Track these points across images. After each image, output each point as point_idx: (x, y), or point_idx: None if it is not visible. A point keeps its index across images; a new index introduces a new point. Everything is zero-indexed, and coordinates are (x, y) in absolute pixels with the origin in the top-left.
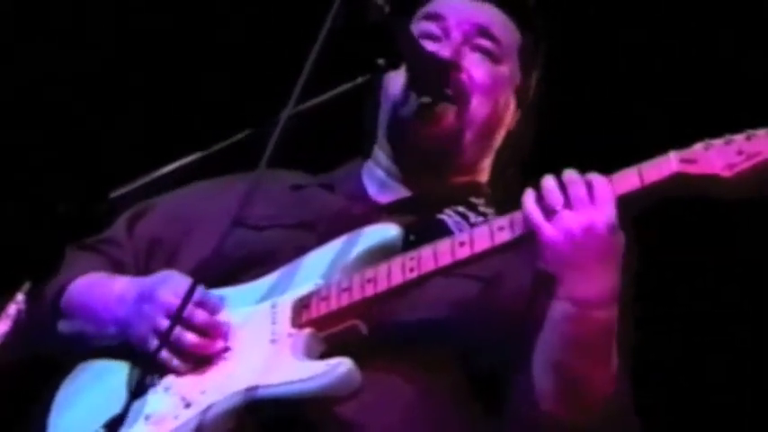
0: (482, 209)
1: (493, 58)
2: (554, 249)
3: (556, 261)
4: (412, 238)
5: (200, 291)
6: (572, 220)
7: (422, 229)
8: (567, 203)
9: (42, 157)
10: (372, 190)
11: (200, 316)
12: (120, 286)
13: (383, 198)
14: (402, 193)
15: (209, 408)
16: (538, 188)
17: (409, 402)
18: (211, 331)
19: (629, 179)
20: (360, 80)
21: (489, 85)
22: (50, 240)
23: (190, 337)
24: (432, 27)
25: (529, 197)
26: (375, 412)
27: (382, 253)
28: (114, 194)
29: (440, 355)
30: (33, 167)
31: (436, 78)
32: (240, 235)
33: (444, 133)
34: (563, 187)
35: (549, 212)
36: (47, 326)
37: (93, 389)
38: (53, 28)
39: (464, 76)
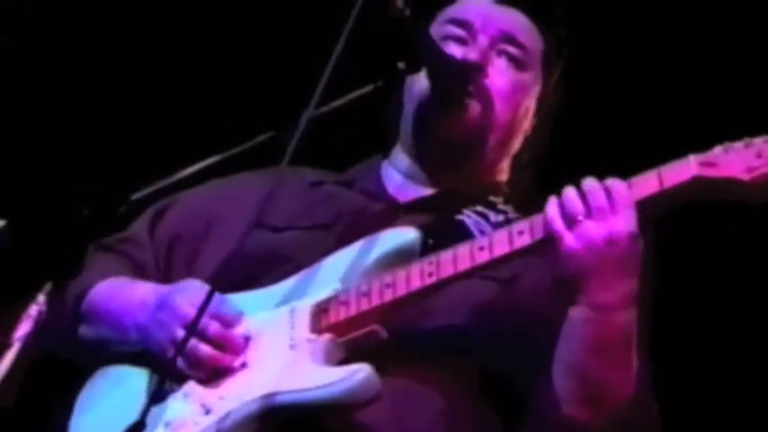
0: (501, 207)
1: (518, 64)
2: (575, 259)
3: (577, 270)
4: (430, 241)
5: (217, 302)
6: (593, 230)
7: (441, 231)
8: (588, 213)
9: (65, 160)
10: (392, 188)
11: (213, 329)
12: (143, 292)
13: (402, 197)
14: (421, 192)
15: (228, 414)
16: (558, 193)
17: (430, 408)
18: (226, 344)
19: (649, 183)
20: (380, 83)
21: (511, 93)
22: (73, 242)
23: (204, 349)
24: (458, 31)
25: (552, 205)
26: (395, 419)
27: (401, 256)
28: (136, 197)
29: (461, 361)
30: (56, 170)
31: (460, 78)
32: (259, 236)
33: (470, 126)
34: (583, 196)
35: (570, 222)
36: (68, 330)
37: (113, 394)
38: (75, 31)
39: (487, 81)
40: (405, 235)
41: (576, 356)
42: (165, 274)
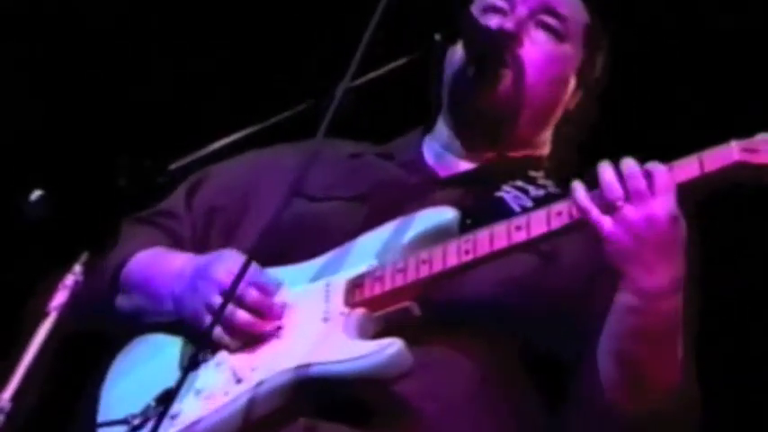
0: (541, 181)
1: (557, 35)
2: (615, 244)
3: (618, 255)
4: (468, 221)
5: (255, 271)
6: (632, 214)
7: (479, 210)
8: (628, 197)
9: (102, 130)
10: (431, 162)
11: (252, 295)
12: (179, 262)
13: (442, 171)
14: (459, 165)
15: (262, 382)
16: (594, 174)
17: (466, 378)
18: (263, 311)
19: (690, 167)
20: (417, 54)
21: (548, 63)
22: (110, 212)
23: (241, 315)
24: (498, 1)
25: (579, 191)
26: (431, 389)
27: (438, 236)
28: (174, 167)
29: (497, 335)
30: (93, 140)
31: (495, 48)
32: (297, 206)
33: (503, 97)
34: (622, 179)
35: (609, 208)
36: (105, 300)
37: (147, 362)
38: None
39: (522, 51)
40: (443, 215)
41: (621, 343)
42: (202, 246)
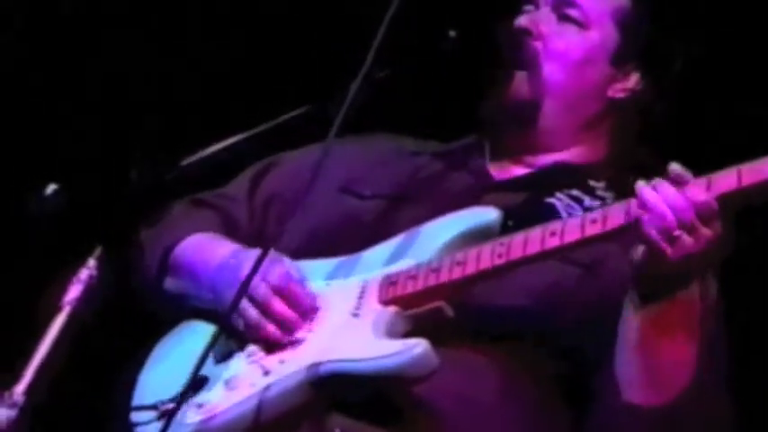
0: (600, 193)
1: (578, 24)
2: (673, 267)
3: (670, 274)
4: (510, 223)
5: (272, 266)
6: (691, 245)
7: (526, 213)
8: (681, 225)
9: (114, 125)
10: (489, 165)
11: (260, 292)
12: (224, 253)
13: (500, 174)
14: (515, 171)
15: (269, 386)
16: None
17: (490, 386)
18: (268, 311)
19: (727, 179)
20: (431, 52)
21: (568, 52)
22: (122, 207)
23: (251, 313)
24: (528, 6)
25: (650, 227)
26: (454, 393)
27: (479, 236)
28: (185, 163)
29: (526, 342)
30: (105, 135)
31: (513, 46)
32: (345, 202)
33: (517, 103)
34: (671, 207)
35: (669, 238)
36: (154, 281)
37: (184, 349)
38: None
39: (538, 43)
40: (485, 215)
41: (639, 336)
42: (260, 231)
